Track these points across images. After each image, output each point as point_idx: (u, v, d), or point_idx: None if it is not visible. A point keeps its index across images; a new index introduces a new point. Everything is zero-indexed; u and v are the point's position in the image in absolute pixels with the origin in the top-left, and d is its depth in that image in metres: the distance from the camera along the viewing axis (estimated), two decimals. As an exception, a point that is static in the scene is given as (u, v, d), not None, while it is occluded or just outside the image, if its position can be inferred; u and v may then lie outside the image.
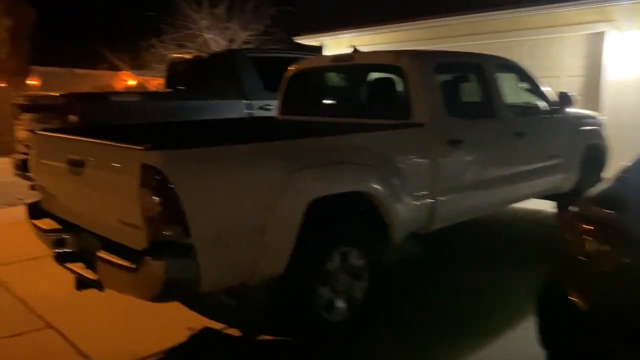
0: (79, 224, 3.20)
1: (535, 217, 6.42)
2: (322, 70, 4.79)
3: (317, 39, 11.73)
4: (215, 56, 7.16)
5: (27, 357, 3.30)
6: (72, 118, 5.19)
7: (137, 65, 15.93)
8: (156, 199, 2.53)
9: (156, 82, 22.85)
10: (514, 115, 4.68)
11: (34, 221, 3.54)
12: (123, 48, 23.62)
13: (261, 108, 6.59)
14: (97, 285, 3.00)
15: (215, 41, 14.76)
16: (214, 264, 2.69)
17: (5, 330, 3.60)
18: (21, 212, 7.16)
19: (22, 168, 6.04)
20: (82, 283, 3.15)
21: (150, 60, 15.34)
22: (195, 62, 7.20)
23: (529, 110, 5.03)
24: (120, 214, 2.76)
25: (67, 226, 3.32)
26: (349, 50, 4.74)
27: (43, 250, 4.27)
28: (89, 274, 3.03)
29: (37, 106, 5.90)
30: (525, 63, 5.33)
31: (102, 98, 5.42)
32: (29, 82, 22.97)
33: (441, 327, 3.59)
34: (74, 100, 5.24)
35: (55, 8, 25.09)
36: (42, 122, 5.80)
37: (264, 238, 2.82)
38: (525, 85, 5.07)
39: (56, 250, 3.31)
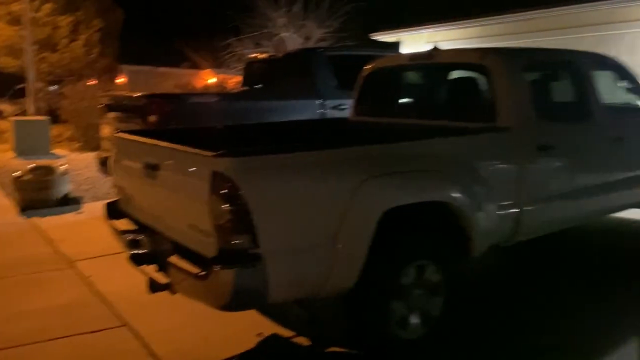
0: (153, 226, 3.22)
1: (634, 228, 5.87)
2: (399, 69, 4.59)
3: (394, 35, 11.47)
4: (290, 55, 7.13)
5: (101, 354, 3.38)
6: (152, 118, 5.31)
7: (217, 64, 16.28)
8: (226, 206, 2.47)
9: (234, 81, 23.42)
10: (612, 117, 4.26)
11: (110, 221, 3.61)
12: (204, 47, 24.39)
13: (335, 108, 6.48)
14: (169, 289, 2.99)
15: (292, 39, 14.83)
16: (283, 274, 2.59)
17: (85, 326, 3.71)
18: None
19: (105, 165, 6.30)
20: (155, 285, 3.16)
21: (228, 59, 15.66)
22: (270, 61, 7.20)
23: (629, 112, 4.56)
24: (191, 220, 2.72)
25: (142, 228, 3.35)
26: (428, 47, 4.50)
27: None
28: (160, 278, 3.03)
29: (120, 106, 6.11)
30: (624, 59, 4.86)
31: (181, 99, 5.51)
32: (116, 80, 24.28)
33: (524, 350, 3.31)
34: (154, 101, 5.36)
35: (140, 8, 26.28)
36: (124, 121, 6.00)
37: (335, 249, 2.69)
38: (625, 83, 4.60)
39: (130, 251, 3.35)
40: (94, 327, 3.70)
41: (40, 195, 7.17)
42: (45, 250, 5.43)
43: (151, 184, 3.08)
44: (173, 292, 3.00)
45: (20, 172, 7.38)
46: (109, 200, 3.78)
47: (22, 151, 12.56)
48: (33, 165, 7.65)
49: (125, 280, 4.43)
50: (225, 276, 2.49)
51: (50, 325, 3.74)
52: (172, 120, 5.34)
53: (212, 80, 28.21)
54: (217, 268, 2.50)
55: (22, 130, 12.93)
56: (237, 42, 15.40)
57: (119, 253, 5.22)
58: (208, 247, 2.60)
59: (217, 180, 2.48)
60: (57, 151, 13.59)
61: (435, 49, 4.10)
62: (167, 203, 2.98)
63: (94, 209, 7.25)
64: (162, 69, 27.63)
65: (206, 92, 5.79)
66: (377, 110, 4.59)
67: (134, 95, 5.76)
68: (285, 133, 4.14)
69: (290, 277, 2.63)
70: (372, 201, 2.78)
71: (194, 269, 2.63)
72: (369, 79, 4.66)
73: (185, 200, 2.77)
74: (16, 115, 18.61)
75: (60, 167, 7.64)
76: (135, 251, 3.31)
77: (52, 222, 6.50)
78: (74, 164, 11.04)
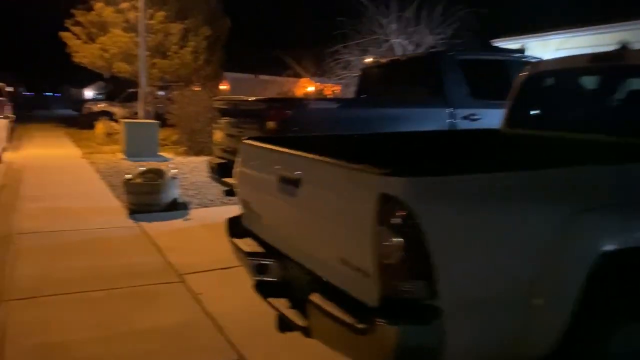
0: (286, 252, 2.70)
1: None
2: (571, 73, 3.79)
3: (519, 40, 10.49)
4: (415, 59, 6.49)
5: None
6: (271, 125, 4.88)
7: (320, 72, 15.92)
8: (398, 242, 1.87)
9: (333, 89, 23.30)
10: None
11: (233, 239, 3.15)
12: (304, 55, 24.36)
13: (465, 118, 5.76)
14: (304, 331, 2.45)
15: (402, 46, 14.14)
16: (466, 335, 1.95)
17: (195, 355, 3.31)
18: (213, 214, 7.25)
19: (217, 172, 5.97)
20: (286, 325, 2.63)
21: (333, 66, 15.23)
22: (392, 65, 6.59)
23: None
24: (344, 253, 2.15)
25: (271, 251, 2.84)
26: (558, 53, 3.68)
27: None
28: (294, 317, 2.49)
29: (234, 111, 5.77)
30: None
31: (302, 105, 5.05)
32: (220, 86, 24.86)
33: None
34: (273, 107, 4.93)
35: (245, 17, 26.80)
36: (238, 127, 5.64)
37: (535, 303, 2.01)
38: None
39: (256, 279, 2.85)
40: (206, 358, 3.26)
41: (149, 199, 7.04)
42: (154, 259, 5.16)
43: (288, 202, 2.56)
44: (308, 335, 2.45)
45: (130, 175, 7.31)
46: (231, 216, 3.32)
47: (132, 153, 12.89)
48: (143, 168, 7.57)
49: (239, 300, 4.01)
50: (391, 334, 1.89)
51: (158, 351, 3.36)
52: (292, 127, 4.89)
53: (310, 88, 28.33)
54: (380, 322, 1.91)
55: (133, 132, 13.30)
56: (343, 49, 14.94)
57: (230, 268, 4.85)
58: (366, 290, 2.02)
59: (387, 206, 1.89)
60: (164, 154, 13.86)
61: (626, 49, 3.29)
62: (310, 228, 2.43)
63: (202, 216, 7.01)
64: (262, 77, 28.07)
65: (326, 98, 5.29)
66: (538, 120, 3.82)
67: (251, 100, 5.37)
68: (439, 146, 3.50)
69: (474, 340, 1.98)
70: (584, 242, 2.06)
71: (347, 318, 2.05)
72: (528, 84, 3.91)
73: (337, 227, 2.20)
74: (126, 118, 19.49)
75: (170, 171, 7.50)
76: (263, 279, 2.81)
77: (161, 228, 6.30)
78: (179, 168, 11.08)
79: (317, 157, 2.33)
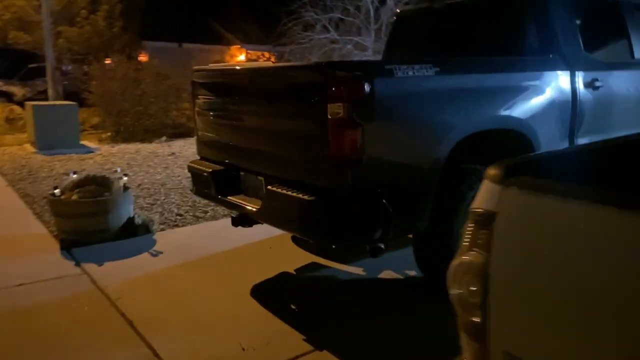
0: None
1: None
2: None
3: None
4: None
5: None
6: (335, 109, 2.72)
7: (275, 38, 13.33)
8: None
9: (266, 57, 20.88)
10: None
11: None
12: (246, 19, 21.66)
13: (589, 85, 3.88)
14: None
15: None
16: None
17: None
18: (189, 239, 4.93)
19: (213, 186, 3.72)
20: None
21: (291, 27, 12.75)
22: (455, 10, 4.51)
23: None
24: None
25: None
26: None
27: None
28: None
29: (250, 86, 3.53)
30: None
31: (384, 69, 2.86)
32: (139, 57, 21.62)
33: None
34: (340, 76, 2.75)
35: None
36: (253, 112, 3.43)
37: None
38: None
39: None
40: None
41: (92, 224, 4.66)
42: (130, 355, 2.90)
43: None
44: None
45: (58, 188, 4.83)
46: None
47: (45, 144, 10.04)
48: (76, 174, 5.13)
49: None
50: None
51: None
52: (373, 112, 2.78)
53: (241, 57, 25.75)
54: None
55: (44, 117, 10.37)
56: (302, 7, 12.47)
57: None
58: None
59: None
60: (86, 142, 11.06)
61: None
62: None
63: (175, 242, 4.69)
64: (187, 45, 24.91)
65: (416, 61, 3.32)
66: None
67: (290, 66, 3.14)
68: None
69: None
70: None
71: None
72: None
73: None
74: (29, 98, 16.09)
75: (120, 178, 5.08)
76: None
77: (120, 275, 3.99)
78: (112, 161, 8.55)
79: None
